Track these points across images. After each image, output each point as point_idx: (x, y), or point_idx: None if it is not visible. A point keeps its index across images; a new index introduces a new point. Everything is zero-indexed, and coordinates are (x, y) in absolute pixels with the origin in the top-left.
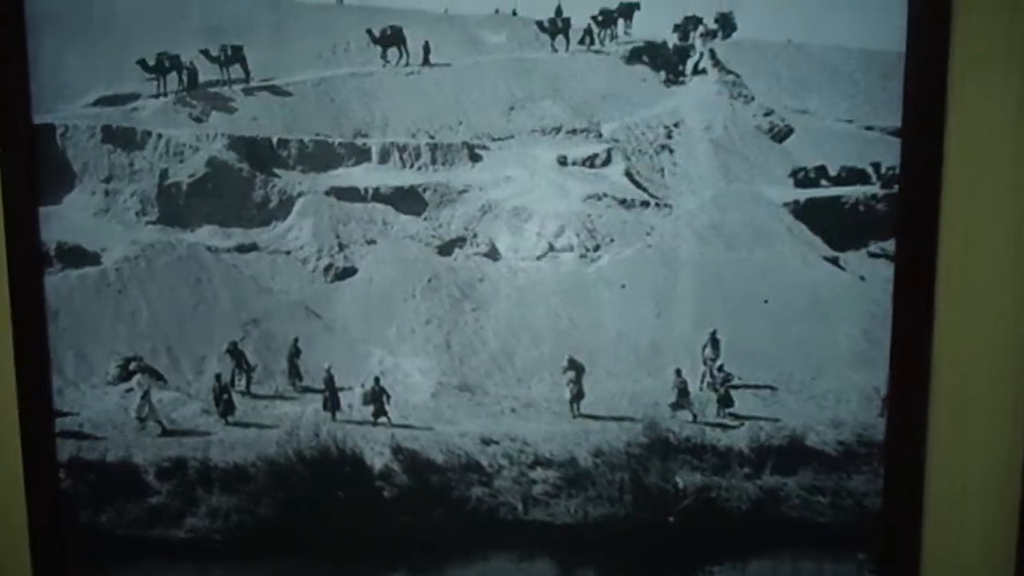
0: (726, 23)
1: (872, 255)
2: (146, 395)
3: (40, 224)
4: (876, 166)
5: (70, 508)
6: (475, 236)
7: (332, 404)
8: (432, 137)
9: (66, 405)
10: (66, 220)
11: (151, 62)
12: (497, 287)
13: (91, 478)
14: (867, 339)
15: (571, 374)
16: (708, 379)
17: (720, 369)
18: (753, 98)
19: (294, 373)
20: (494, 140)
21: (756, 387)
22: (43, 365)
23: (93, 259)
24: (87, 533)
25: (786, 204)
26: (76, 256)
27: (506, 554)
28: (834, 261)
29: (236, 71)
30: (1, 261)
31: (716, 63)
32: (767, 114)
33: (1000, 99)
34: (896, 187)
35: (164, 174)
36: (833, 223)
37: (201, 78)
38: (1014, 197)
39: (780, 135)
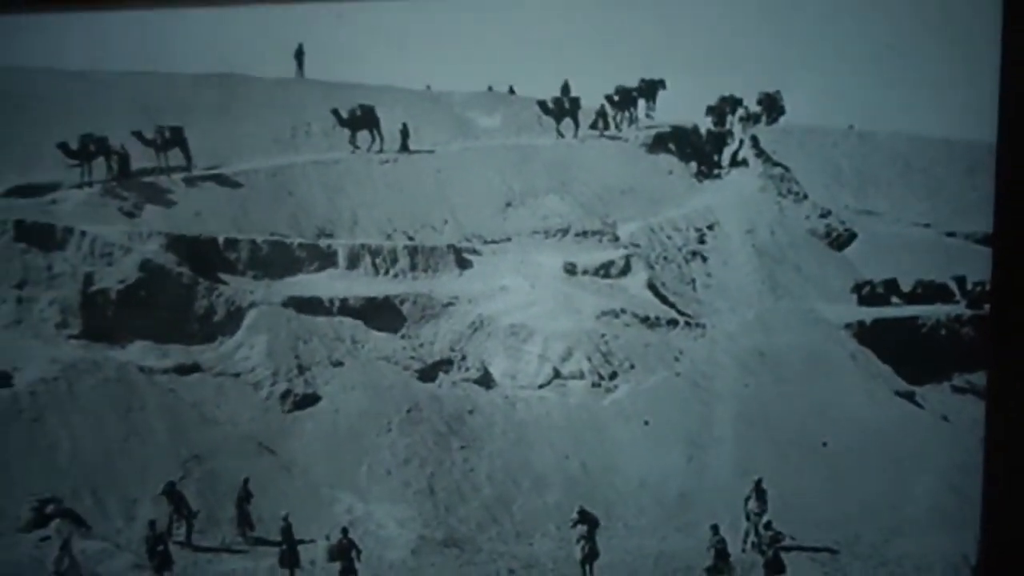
0: (772, 105)
1: (957, 390)
2: (66, 545)
3: None
4: (960, 281)
5: None
6: (464, 359)
7: (290, 560)
8: (411, 238)
9: None
10: None
11: (74, 145)
12: (491, 421)
13: None
14: (953, 493)
15: (583, 529)
16: (753, 539)
17: (768, 527)
18: (806, 196)
19: (244, 521)
20: (487, 243)
21: (813, 550)
22: None
23: (3, 380)
24: None
25: (848, 326)
26: None
27: None
28: (909, 397)
29: (175, 157)
30: None
31: (760, 153)
32: (823, 216)
33: None
34: (986, 307)
35: (89, 279)
36: (907, 350)
37: (134, 165)
38: None
39: (840, 241)
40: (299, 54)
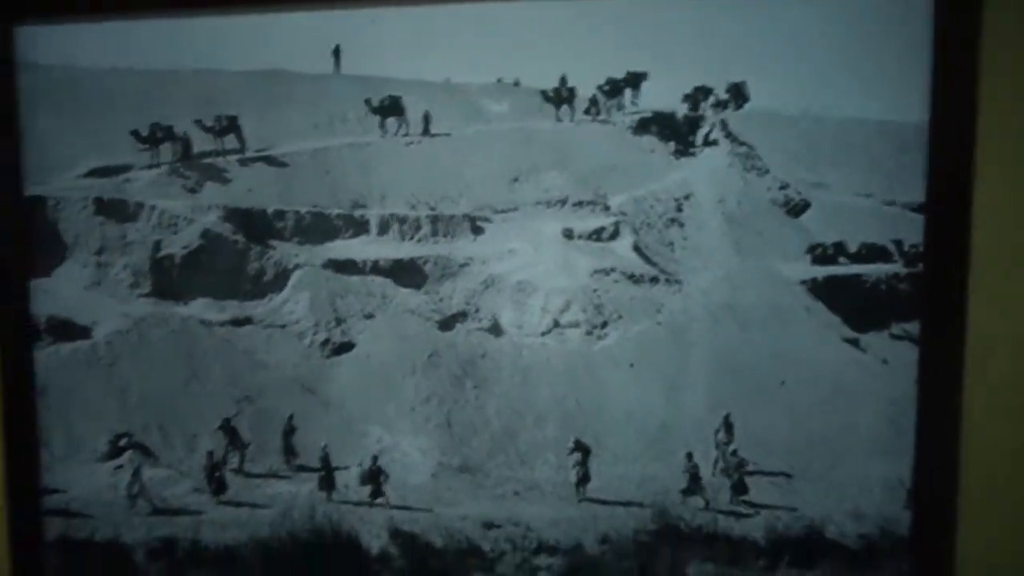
0: (738, 93)
1: (895, 337)
2: (137, 472)
3: (31, 297)
4: (898, 243)
5: None
6: (477, 311)
7: (328, 484)
8: (432, 209)
9: (54, 482)
10: (57, 293)
11: (144, 132)
12: (500, 364)
13: (78, 559)
14: (891, 427)
15: (577, 456)
16: (721, 464)
17: (734, 454)
18: (767, 171)
19: (289, 451)
20: (497, 212)
21: (772, 474)
22: (32, 441)
23: (84, 333)
24: None
25: (803, 282)
26: (66, 330)
27: None
28: (855, 343)
29: (231, 141)
30: None
31: (728, 134)
32: (782, 187)
33: None
34: (920, 266)
35: (157, 246)
36: (853, 303)
37: (195, 148)
38: None
39: (796, 209)
40: (336, 53)
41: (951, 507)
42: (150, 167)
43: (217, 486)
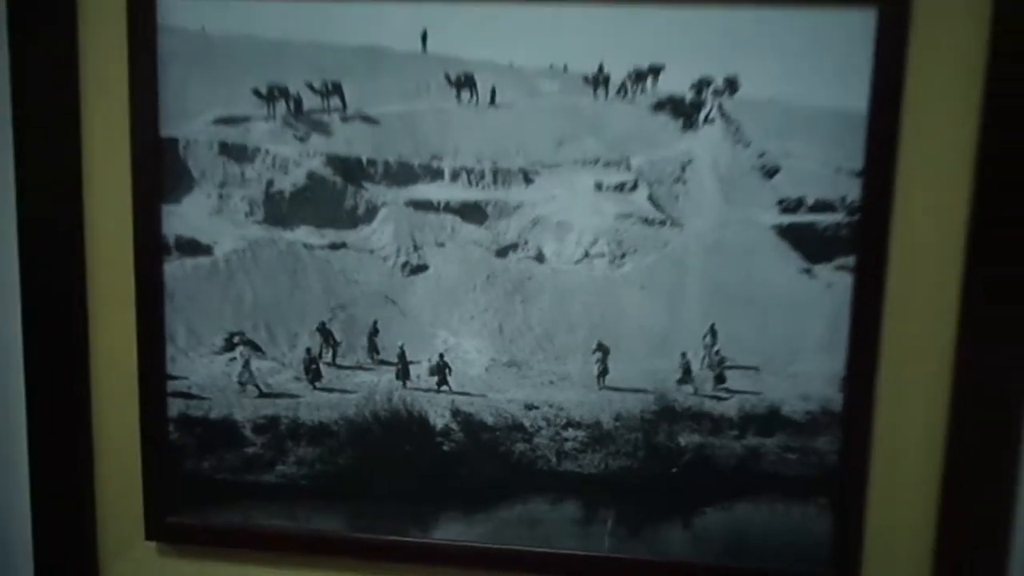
0: (732, 84)
1: (838, 268)
2: (247, 364)
3: (162, 219)
4: (843, 199)
5: (178, 457)
6: (526, 243)
7: (403, 375)
8: (494, 163)
9: (177, 371)
10: (185, 217)
11: (263, 91)
12: (542, 285)
13: (197, 432)
14: (832, 333)
15: (599, 355)
16: (707, 361)
17: (717, 353)
18: (750, 143)
19: (373, 349)
20: (544, 167)
21: (744, 367)
22: (159, 337)
23: (206, 250)
24: (192, 478)
25: (773, 227)
26: (192, 248)
27: (542, 498)
28: (808, 272)
29: (335, 102)
30: (128, 250)
31: (723, 114)
32: (760, 155)
33: (945, 150)
34: (857, 216)
35: (270, 183)
36: (808, 242)
37: (305, 106)
38: (951, 225)
39: (770, 172)
40: (424, 36)
41: (871, 390)
42: (266, 119)
43: (313, 376)
